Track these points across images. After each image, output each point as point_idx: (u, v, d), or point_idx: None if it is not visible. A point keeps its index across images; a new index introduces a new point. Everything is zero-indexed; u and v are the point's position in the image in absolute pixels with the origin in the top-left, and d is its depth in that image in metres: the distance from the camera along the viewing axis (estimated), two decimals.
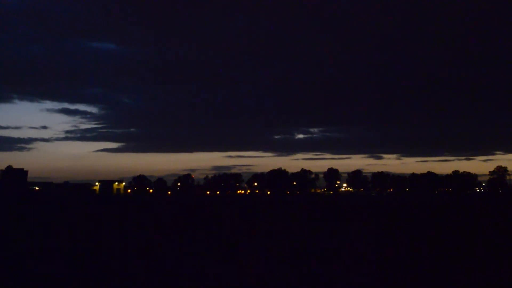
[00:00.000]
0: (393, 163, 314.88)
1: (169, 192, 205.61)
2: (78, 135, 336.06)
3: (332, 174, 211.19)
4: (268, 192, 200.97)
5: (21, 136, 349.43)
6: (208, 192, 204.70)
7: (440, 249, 19.12)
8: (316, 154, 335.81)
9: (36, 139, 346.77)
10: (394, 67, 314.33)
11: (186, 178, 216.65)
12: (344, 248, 19.47)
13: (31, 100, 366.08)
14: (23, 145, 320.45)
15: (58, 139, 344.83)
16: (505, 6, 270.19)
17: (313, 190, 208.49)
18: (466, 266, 15.36)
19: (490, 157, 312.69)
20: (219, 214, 46.41)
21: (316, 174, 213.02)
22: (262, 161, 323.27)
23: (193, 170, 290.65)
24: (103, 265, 15.84)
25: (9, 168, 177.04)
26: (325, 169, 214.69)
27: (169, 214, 47.36)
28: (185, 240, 22.56)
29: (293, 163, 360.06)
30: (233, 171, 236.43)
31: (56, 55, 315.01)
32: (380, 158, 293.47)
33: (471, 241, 21.82)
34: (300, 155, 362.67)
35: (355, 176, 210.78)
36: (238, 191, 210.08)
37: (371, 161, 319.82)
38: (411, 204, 70.71)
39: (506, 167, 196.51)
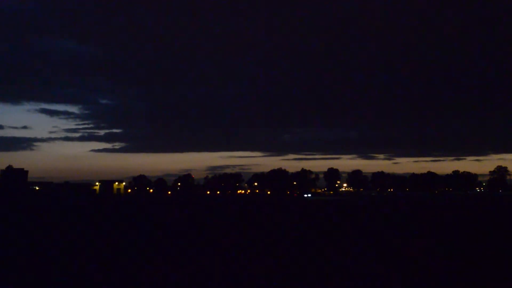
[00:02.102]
0: (382, 164, 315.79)
1: (169, 192, 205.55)
2: (63, 135, 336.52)
3: (332, 174, 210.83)
4: (268, 192, 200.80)
5: (4, 135, 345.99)
6: (208, 192, 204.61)
7: (441, 249, 19.12)
8: (307, 154, 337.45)
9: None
10: (391, 67, 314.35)
11: (186, 178, 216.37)
12: (347, 247, 19.49)
13: (6, 101, 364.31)
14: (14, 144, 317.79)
15: (48, 139, 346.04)
16: (499, 7, 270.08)
17: (313, 190, 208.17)
18: (466, 266, 15.36)
19: (480, 157, 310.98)
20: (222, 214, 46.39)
21: (316, 174, 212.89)
22: (251, 161, 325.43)
23: (188, 171, 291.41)
24: (102, 265, 15.85)
25: (9, 168, 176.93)
26: (324, 169, 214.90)
27: (171, 214, 47.37)
28: (186, 240, 22.58)
29: (284, 163, 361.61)
30: (227, 170, 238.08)
31: (24, 55, 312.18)
32: (370, 158, 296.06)
33: (471, 241, 21.83)
34: (291, 155, 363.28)
35: (355, 176, 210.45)
36: (238, 191, 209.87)
37: (360, 161, 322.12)
38: (412, 204, 70.69)
39: (506, 167, 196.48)
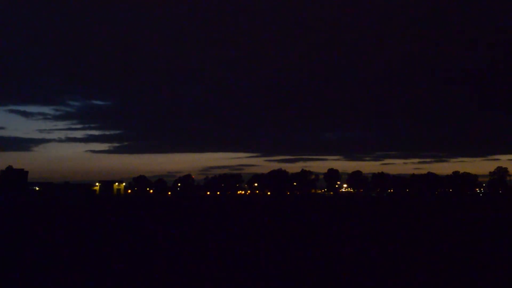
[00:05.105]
0: (371, 164, 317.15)
1: (169, 193, 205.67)
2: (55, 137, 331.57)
3: (332, 174, 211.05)
4: (268, 193, 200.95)
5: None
6: (208, 193, 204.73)
7: (441, 249, 19.13)
8: (294, 156, 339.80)
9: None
10: (390, 66, 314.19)
11: (186, 179, 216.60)
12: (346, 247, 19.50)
13: None
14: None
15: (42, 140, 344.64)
16: (502, 7, 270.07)
17: (313, 191, 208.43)
18: (466, 266, 15.37)
19: (465, 159, 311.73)
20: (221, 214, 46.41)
21: (316, 174, 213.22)
22: (244, 162, 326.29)
23: (179, 172, 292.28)
24: (103, 265, 15.86)
25: (9, 168, 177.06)
26: (325, 170, 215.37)
27: (170, 214, 47.38)
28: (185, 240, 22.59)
29: (269, 164, 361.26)
30: (217, 171, 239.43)
31: None
32: (358, 159, 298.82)
33: (471, 241, 21.84)
34: (280, 156, 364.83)
35: (355, 177, 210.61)
36: (238, 192, 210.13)
37: (349, 162, 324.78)
38: (412, 205, 70.77)
39: (506, 168, 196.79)
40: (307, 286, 12.65)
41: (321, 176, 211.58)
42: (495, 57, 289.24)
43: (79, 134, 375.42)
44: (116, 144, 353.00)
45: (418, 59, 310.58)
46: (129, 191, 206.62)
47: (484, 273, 14.31)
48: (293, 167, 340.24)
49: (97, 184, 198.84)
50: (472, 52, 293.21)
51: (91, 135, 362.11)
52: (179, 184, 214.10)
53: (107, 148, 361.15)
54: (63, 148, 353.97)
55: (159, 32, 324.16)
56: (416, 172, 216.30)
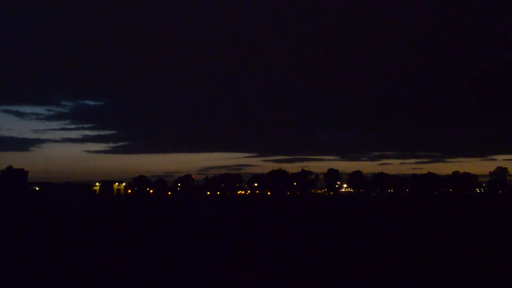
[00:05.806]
0: (368, 164, 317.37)
1: (169, 193, 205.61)
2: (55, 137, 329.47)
3: (332, 174, 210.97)
4: (269, 193, 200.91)
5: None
6: (208, 193, 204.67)
7: (441, 250, 19.14)
8: (290, 156, 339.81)
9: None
10: (389, 66, 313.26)
11: (186, 179, 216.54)
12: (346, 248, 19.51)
13: None
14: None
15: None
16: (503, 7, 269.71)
17: (313, 191, 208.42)
18: (466, 266, 15.38)
19: (464, 159, 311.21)
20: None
21: (316, 175, 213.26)
22: (241, 162, 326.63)
23: (176, 172, 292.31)
24: (103, 265, 15.87)
25: (10, 168, 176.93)
26: (325, 170, 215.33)
27: (170, 214, 47.37)
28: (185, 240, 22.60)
29: (270, 164, 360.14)
30: (215, 171, 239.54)
31: None
32: (355, 159, 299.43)
33: (471, 241, 21.85)
34: (277, 156, 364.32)
35: (355, 177, 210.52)
36: (238, 192, 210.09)
37: (346, 163, 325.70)
38: (412, 205, 70.75)
39: (506, 168, 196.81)
40: (306, 286, 12.66)
41: (321, 176, 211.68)
42: (494, 57, 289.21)
43: (73, 134, 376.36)
44: (111, 144, 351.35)
45: (416, 59, 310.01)
46: (129, 191, 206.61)
47: (484, 273, 14.32)
48: (290, 167, 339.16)
49: (97, 184, 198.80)
50: (471, 52, 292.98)
51: (86, 135, 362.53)
52: (179, 184, 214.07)
53: (102, 148, 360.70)
54: (60, 148, 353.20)
55: (155, 31, 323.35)
56: (413, 172, 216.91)
